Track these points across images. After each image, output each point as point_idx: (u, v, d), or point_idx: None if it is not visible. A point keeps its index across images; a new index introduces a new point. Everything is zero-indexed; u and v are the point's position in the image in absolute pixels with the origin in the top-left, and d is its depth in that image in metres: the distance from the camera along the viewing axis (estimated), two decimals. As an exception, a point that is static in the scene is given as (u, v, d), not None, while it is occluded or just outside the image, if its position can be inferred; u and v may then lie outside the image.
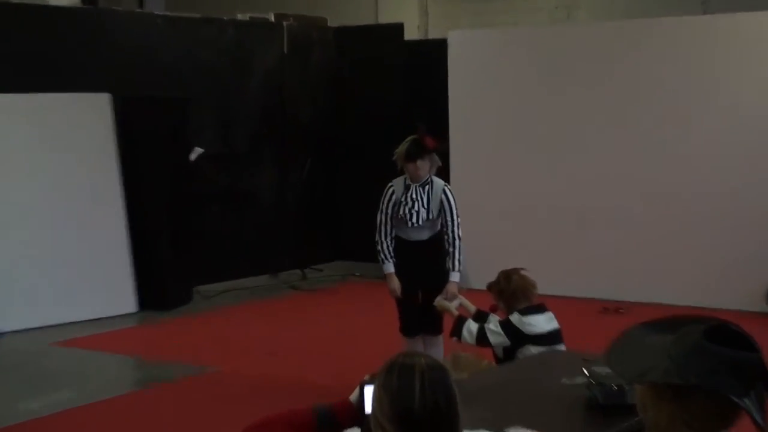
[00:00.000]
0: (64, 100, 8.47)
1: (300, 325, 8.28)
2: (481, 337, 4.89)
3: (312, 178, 10.84)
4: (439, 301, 5.32)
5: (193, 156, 9.26)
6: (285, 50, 10.39)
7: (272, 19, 10.81)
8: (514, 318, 4.84)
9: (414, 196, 5.43)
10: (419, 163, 5.36)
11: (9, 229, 8.06)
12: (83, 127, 8.60)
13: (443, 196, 5.46)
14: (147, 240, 8.83)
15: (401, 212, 5.45)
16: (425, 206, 5.42)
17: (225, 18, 10.31)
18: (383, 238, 5.54)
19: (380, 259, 5.56)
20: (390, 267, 5.52)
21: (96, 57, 8.78)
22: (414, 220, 5.45)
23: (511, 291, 4.92)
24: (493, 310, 5.07)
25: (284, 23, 10.50)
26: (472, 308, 5.21)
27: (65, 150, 8.49)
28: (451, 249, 5.43)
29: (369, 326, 7.90)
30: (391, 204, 5.53)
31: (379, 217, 5.56)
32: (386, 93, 10.44)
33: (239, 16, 10.83)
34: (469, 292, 5.71)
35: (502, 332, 4.84)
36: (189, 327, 8.20)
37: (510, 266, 5.07)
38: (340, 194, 10.86)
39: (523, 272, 4.97)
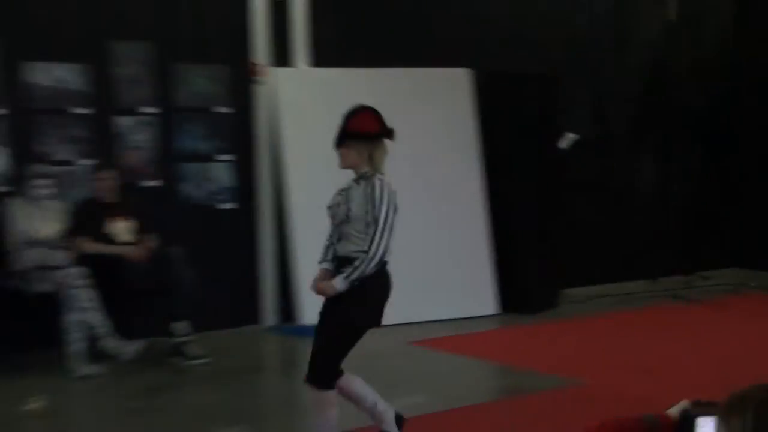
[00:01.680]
0: (419, 76, 8.10)
1: (680, 340, 7.52)
2: None
3: (703, 170, 10.00)
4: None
5: (564, 143, 8.65)
6: (673, 17, 9.58)
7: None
8: None
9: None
10: (342, 150, 4.59)
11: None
12: (440, 106, 8.20)
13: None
14: (510, 237, 8.34)
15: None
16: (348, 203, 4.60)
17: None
18: None
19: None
20: None
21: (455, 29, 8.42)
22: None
23: None
24: None
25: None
26: None
27: (422, 134, 7.97)
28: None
29: (765, 349, 7.10)
30: None
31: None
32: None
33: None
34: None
35: None
36: (553, 334, 7.78)
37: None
38: (742, 192, 10.06)
39: None
